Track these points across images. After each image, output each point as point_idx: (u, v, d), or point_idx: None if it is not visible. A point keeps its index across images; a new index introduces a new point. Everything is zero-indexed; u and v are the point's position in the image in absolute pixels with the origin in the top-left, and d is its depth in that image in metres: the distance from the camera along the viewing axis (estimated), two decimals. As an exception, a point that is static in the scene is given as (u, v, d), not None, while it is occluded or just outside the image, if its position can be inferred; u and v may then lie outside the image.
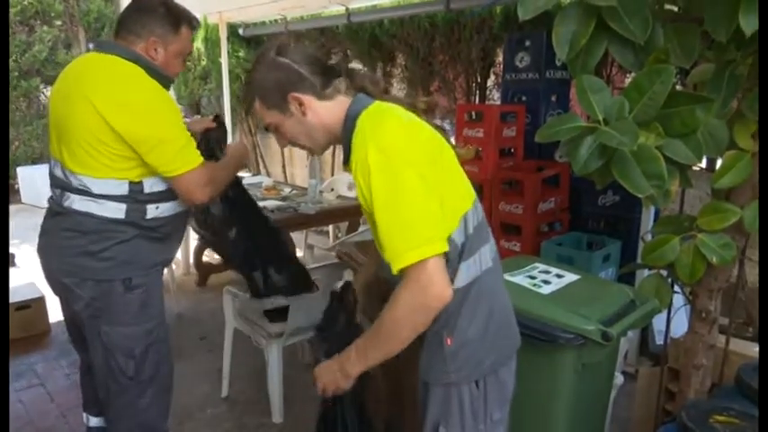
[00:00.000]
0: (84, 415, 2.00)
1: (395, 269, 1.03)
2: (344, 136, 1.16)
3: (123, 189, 1.55)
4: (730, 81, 1.37)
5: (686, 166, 1.40)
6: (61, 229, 1.61)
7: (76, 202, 1.57)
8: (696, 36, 1.35)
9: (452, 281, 1.11)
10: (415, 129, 1.12)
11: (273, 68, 1.18)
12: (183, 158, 1.54)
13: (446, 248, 1.04)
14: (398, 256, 1.01)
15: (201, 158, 1.59)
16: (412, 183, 1.02)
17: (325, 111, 1.19)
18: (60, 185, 1.61)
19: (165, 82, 1.60)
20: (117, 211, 1.56)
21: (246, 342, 2.62)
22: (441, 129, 1.24)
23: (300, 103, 1.17)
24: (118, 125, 1.47)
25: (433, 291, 1.03)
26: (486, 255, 1.22)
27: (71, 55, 7.75)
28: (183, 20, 1.64)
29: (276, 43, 1.21)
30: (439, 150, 1.14)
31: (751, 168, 1.41)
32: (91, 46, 1.67)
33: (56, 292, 1.73)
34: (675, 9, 1.46)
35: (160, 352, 1.72)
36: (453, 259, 1.13)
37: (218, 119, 1.89)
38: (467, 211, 1.16)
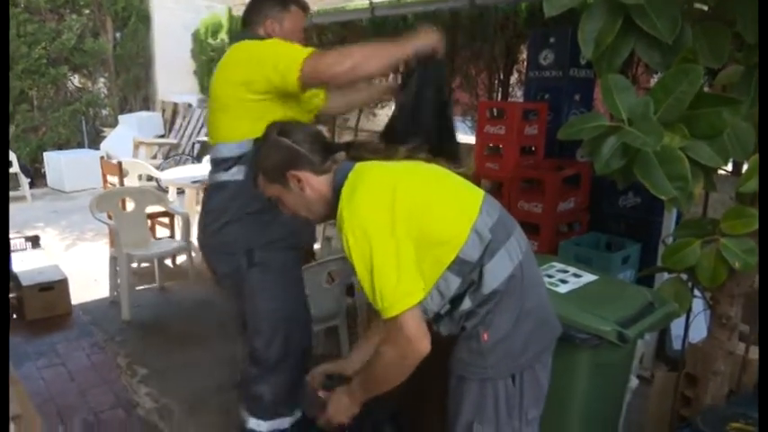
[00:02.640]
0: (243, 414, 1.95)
1: (383, 318, 1.15)
2: (332, 214, 1.26)
3: (243, 148, 1.67)
4: (759, 82, 1.34)
5: (711, 168, 1.38)
6: (204, 207, 1.85)
7: (210, 176, 1.81)
8: (726, 37, 1.33)
9: (476, 291, 1.19)
10: (389, 190, 1.17)
11: (275, 148, 1.31)
12: (300, 53, 1.58)
13: (420, 297, 1.14)
14: (383, 310, 1.13)
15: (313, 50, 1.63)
16: (383, 249, 1.12)
17: (323, 184, 1.29)
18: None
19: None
20: (237, 173, 1.70)
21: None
22: (435, 160, 1.33)
23: (299, 180, 1.28)
24: (243, 75, 1.63)
25: (410, 348, 1.13)
26: (514, 245, 1.24)
27: (98, 43, 7.88)
28: (290, 0, 1.84)
29: (278, 124, 1.35)
30: (420, 194, 1.21)
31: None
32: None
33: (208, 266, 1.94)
34: (705, 9, 1.43)
35: (288, 334, 1.80)
36: (470, 272, 1.18)
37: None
38: (474, 222, 1.20)
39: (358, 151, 1.33)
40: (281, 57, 1.60)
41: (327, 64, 1.58)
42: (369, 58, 1.59)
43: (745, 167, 1.46)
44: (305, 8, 1.88)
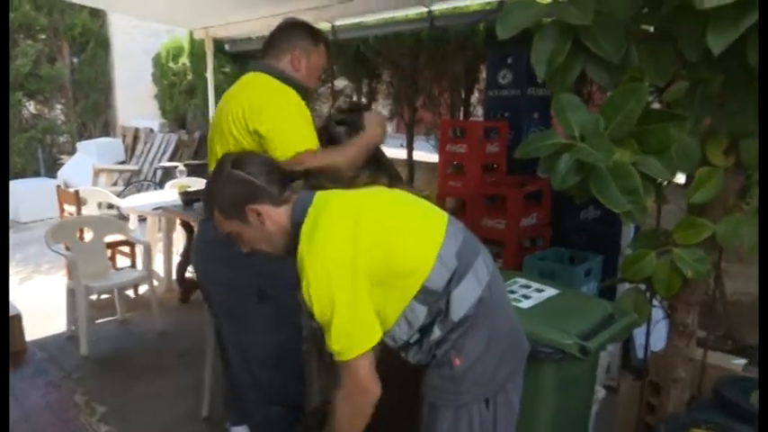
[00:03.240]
0: (227, 425, 2.03)
1: (336, 360, 1.15)
2: (293, 247, 1.20)
3: None
4: (702, 99, 1.41)
5: (661, 182, 1.43)
6: (204, 237, 1.80)
7: None
8: (670, 55, 1.39)
9: (445, 319, 1.18)
10: (350, 225, 1.15)
11: (230, 182, 1.24)
12: (297, 141, 1.61)
13: (375, 342, 1.14)
14: (335, 353, 1.14)
15: (316, 144, 1.66)
16: (342, 295, 1.11)
17: (282, 216, 1.24)
18: None
19: (303, 92, 1.75)
20: None
21: (228, 359, 2.59)
22: (396, 185, 1.35)
23: (258, 214, 1.23)
24: (252, 123, 1.61)
25: (359, 392, 1.15)
26: (481, 267, 1.24)
27: (55, 68, 7.71)
28: (320, 36, 1.84)
29: (233, 156, 1.29)
30: (383, 226, 1.19)
31: (723, 184, 1.44)
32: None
33: (205, 296, 1.90)
34: (650, 29, 1.50)
35: (289, 364, 1.79)
36: (436, 301, 1.18)
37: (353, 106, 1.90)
38: (438, 251, 1.19)
39: (317, 180, 1.32)
40: (288, 133, 1.61)
41: (318, 163, 1.61)
42: (350, 161, 1.68)
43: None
44: (328, 48, 1.89)
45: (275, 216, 1.24)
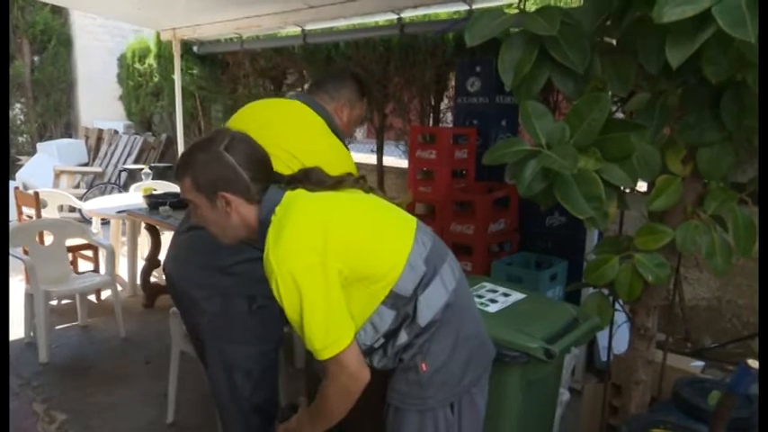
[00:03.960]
0: None
1: (317, 358, 1.13)
2: (261, 244, 1.19)
3: None
4: (662, 110, 1.46)
5: (623, 189, 1.48)
6: (192, 246, 1.72)
7: None
8: (631, 67, 1.44)
9: (412, 324, 1.19)
10: (319, 230, 1.13)
11: (215, 162, 1.20)
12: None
13: (351, 338, 1.14)
14: (316, 352, 1.13)
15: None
16: (312, 297, 1.10)
17: (250, 213, 1.22)
18: None
19: (343, 143, 1.83)
20: None
21: (194, 365, 2.54)
22: (373, 189, 1.34)
23: (228, 203, 1.21)
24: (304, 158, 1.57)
25: (352, 382, 1.15)
26: (447, 272, 1.24)
27: (13, 67, 7.46)
28: (366, 90, 1.92)
29: (230, 136, 1.24)
30: (353, 232, 1.18)
31: (681, 192, 1.50)
32: (291, 94, 2.00)
33: (180, 304, 1.83)
34: (613, 42, 1.55)
35: (270, 377, 1.77)
36: (404, 305, 1.18)
37: None
38: (407, 256, 1.19)
39: (300, 185, 1.27)
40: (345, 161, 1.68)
41: None
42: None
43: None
44: (371, 101, 1.95)
45: (244, 211, 1.22)
